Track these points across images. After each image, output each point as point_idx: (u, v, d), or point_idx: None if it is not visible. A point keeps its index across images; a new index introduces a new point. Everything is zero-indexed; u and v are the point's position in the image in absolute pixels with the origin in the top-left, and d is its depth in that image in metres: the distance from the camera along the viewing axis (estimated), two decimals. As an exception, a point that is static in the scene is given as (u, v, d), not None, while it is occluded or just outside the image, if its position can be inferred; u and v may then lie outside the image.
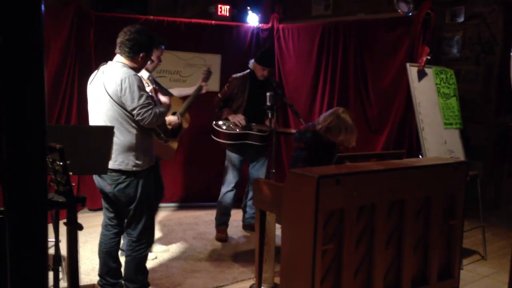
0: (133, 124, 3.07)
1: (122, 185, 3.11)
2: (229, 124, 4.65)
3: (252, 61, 4.75)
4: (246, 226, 5.03)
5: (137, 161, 3.10)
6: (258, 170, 4.87)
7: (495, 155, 6.27)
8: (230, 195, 4.78)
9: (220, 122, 4.66)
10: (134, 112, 3.01)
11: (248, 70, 4.78)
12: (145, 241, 3.24)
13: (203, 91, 4.40)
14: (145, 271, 3.33)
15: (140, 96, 3.01)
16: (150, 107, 3.04)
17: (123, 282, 3.35)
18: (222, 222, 4.80)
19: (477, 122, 6.17)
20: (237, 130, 4.61)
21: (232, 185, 4.75)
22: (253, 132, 4.65)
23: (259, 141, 4.68)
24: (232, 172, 4.76)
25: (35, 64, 0.92)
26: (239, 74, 4.78)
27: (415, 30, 4.93)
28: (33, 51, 0.92)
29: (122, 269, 3.30)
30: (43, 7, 0.93)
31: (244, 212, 5.07)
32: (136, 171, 3.11)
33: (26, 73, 0.92)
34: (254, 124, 4.68)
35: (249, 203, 4.86)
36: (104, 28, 5.26)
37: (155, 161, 3.35)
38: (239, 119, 4.61)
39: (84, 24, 5.25)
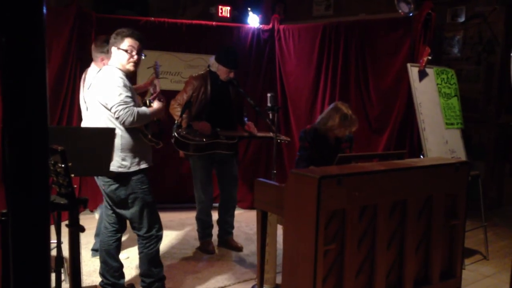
0: (119, 125, 3.08)
1: (113, 187, 3.14)
2: (194, 133, 4.18)
3: (213, 61, 4.31)
4: (221, 242, 4.60)
5: (122, 162, 3.10)
6: (229, 184, 4.49)
7: (496, 155, 6.27)
8: (206, 212, 4.45)
9: (184, 132, 4.16)
10: (112, 110, 3.02)
11: (208, 69, 4.35)
12: (154, 237, 3.26)
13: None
14: (159, 264, 3.35)
15: (119, 94, 3.02)
16: (128, 105, 3.02)
17: (126, 284, 3.35)
18: (205, 235, 4.49)
19: (479, 122, 6.17)
20: (204, 139, 4.16)
21: (205, 203, 4.42)
22: (222, 141, 4.22)
23: (227, 150, 4.28)
24: (202, 189, 4.38)
25: (37, 65, 0.92)
26: (197, 74, 4.35)
27: (415, 30, 4.93)
28: (35, 52, 0.92)
29: (135, 267, 3.30)
30: (44, 9, 0.93)
31: (219, 226, 4.63)
32: (122, 172, 3.10)
33: (27, 74, 0.92)
34: (219, 129, 4.24)
35: (228, 218, 4.58)
36: (105, 30, 5.25)
37: (150, 164, 3.29)
38: (205, 128, 4.18)
39: (85, 26, 5.26)
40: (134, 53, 3.15)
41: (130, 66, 3.17)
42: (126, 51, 3.13)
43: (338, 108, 3.81)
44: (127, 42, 3.13)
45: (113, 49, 3.16)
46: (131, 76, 3.27)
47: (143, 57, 3.25)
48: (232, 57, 4.28)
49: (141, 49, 3.21)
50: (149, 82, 3.58)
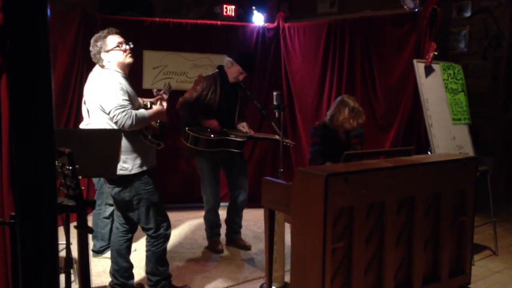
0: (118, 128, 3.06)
1: (117, 189, 3.14)
2: (203, 130, 4.19)
3: (228, 59, 4.28)
4: (229, 241, 4.60)
5: (124, 165, 3.08)
6: (239, 182, 4.47)
7: (504, 150, 6.23)
8: (214, 212, 4.46)
9: (195, 128, 4.18)
10: (110, 114, 2.99)
11: (217, 70, 4.36)
12: (163, 236, 3.27)
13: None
14: (165, 263, 3.36)
15: (115, 98, 2.99)
16: (126, 108, 2.99)
17: (136, 284, 3.36)
18: (213, 234, 4.52)
19: (486, 117, 6.14)
20: (212, 136, 4.16)
21: (213, 204, 4.43)
22: (232, 138, 4.23)
23: (236, 148, 4.28)
24: (209, 189, 4.39)
25: (42, 67, 0.93)
26: (208, 74, 4.36)
27: (421, 26, 4.91)
28: (40, 54, 0.92)
29: (142, 265, 3.31)
30: (49, 11, 0.93)
31: (227, 226, 4.62)
32: (125, 175, 3.08)
33: (33, 76, 0.93)
34: (225, 129, 4.25)
35: (236, 218, 4.58)
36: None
37: (153, 164, 3.28)
38: (214, 124, 4.19)
39: (90, 27, 5.27)
40: (123, 45, 3.14)
41: (128, 59, 3.16)
42: (116, 47, 3.11)
43: (345, 101, 3.84)
44: (112, 40, 3.12)
45: (103, 56, 3.12)
46: (130, 78, 3.24)
47: (131, 46, 3.21)
48: (251, 62, 4.34)
49: (126, 41, 3.18)
50: (157, 99, 3.53)
